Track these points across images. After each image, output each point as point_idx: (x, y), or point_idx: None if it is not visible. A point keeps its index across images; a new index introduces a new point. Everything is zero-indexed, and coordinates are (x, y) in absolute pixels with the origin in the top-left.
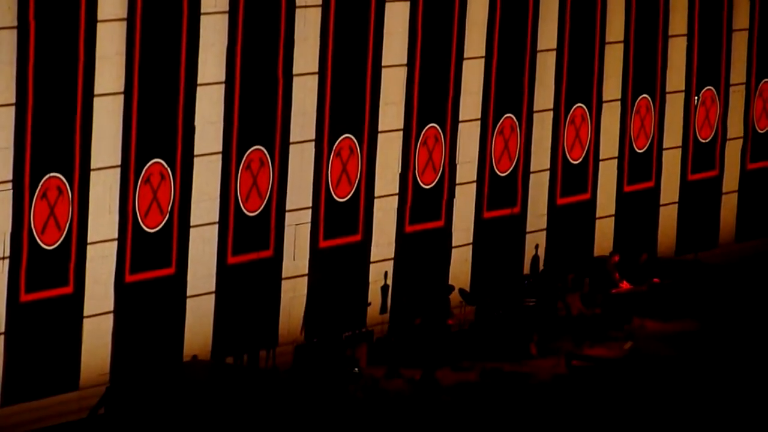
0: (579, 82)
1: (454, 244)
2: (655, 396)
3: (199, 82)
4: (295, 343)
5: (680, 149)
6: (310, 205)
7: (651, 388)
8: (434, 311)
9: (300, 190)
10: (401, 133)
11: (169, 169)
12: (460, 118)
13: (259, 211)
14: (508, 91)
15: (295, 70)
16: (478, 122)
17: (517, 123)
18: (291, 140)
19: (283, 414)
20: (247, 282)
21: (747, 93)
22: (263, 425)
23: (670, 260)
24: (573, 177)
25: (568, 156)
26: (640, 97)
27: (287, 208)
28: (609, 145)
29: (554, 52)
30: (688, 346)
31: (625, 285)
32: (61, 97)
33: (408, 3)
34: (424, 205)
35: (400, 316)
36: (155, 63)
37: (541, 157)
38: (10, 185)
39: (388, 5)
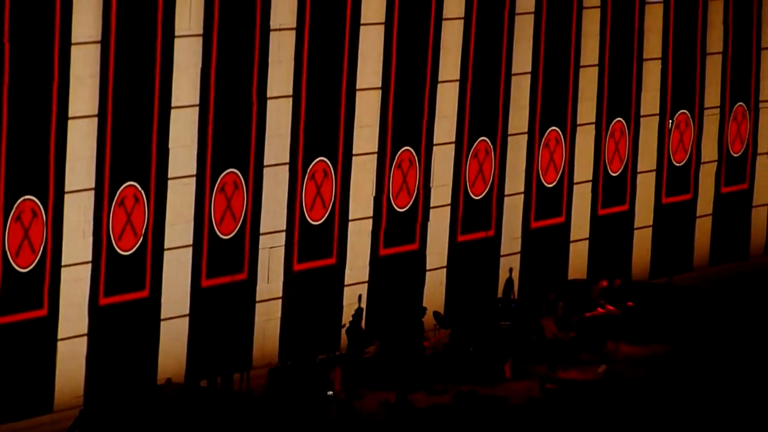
0: (553, 106)
1: (428, 267)
2: (629, 419)
3: (173, 104)
4: (269, 366)
5: (654, 173)
6: (285, 228)
7: (625, 411)
8: (405, 334)
9: (274, 213)
10: (375, 156)
11: (143, 192)
12: (435, 142)
13: (234, 234)
14: (482, 114)
15: (269, 93)
16: (453, 145)
17: (491, 146)
18: (265, 163)
19: None
20: (221, 305)
21: (721, 116)
22: None
23: (644, 284)
24: (547, 200)
25: (542, 179)
26: (615, 120)
27: (261, 231)
28: (583, 168)
29: (529, 76)
30: (662, 370)
31: (607, 308)
32: (36, 120)
33: (382, 26)
34: (398, 228)
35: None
36: (129, 85)
37: (515, 180)
38: None
39: (362, 28)
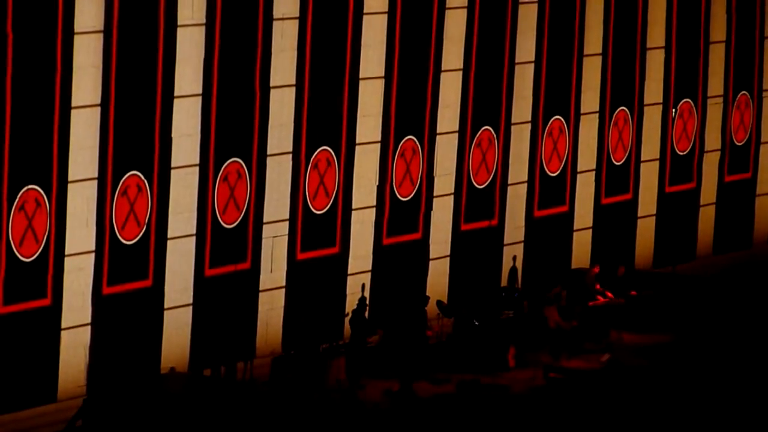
0: (557, 95)
1: (431, 257)
2: (632, 408)
3: (176, 94)
4: (272, 355)
5: (658, 161)
6: (288, 217)
7: (628, 400)
8: (408, 323)
9: (277, 203)
10: (379, 145)
11: (146, 182)
12: (438, 131)
13: (237, 223)
14: (485, 103)
15: (272, 83)
16: (456, 134)
17: (494, 135)
18: (268, 152)
19: (260, 426)
20: (225, 294)
21: (724, 105)
22: None
23: (648, 272)
24: (551, 189)
25: (545, 168)
26: (618, 109)
27: (264, 220)
28: (587, 157)
29: (532, 65)
30: (665, 358)
31: (608, 295)
32: (39, 110)
33: (386, 15)
34: (401, 217)
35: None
36: (132, 75)
37: (518, 169)
38: None
39: (365, 18)
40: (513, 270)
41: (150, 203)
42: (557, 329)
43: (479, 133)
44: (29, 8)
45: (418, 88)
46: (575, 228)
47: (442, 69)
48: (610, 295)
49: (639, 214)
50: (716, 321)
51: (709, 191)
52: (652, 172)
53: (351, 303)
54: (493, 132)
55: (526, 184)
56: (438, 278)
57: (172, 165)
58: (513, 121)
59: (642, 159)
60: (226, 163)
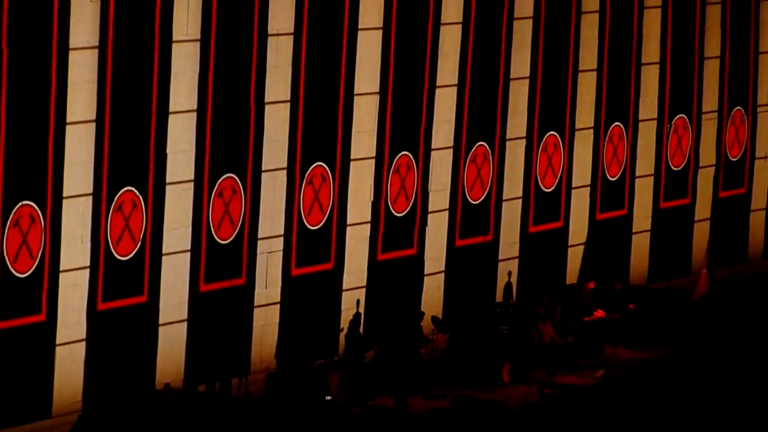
0: (552, 111)
1: (426, 272)
2: (627, 424)
3: (170, 109)
4: (267, 371)
5: (653, 177)
6: (282, 233)
7: (623, 415)
8: (403, 339)
9: (272, 218)
10: (374, 161)
11: (141, 197)
12: (433, 146)
13: (231, 239)
14: (480, 119)
15: (267, 98)
16: (451, 150)
17: (489, 151)
18: (263, 168)
19: None
20: (220, 310)
21: (719, 121)
22: None
23: (642, 288)
24: (545, 205)
25: (540, 184)
26: (613, 125)
27: (259, 236)
28: (581, 173)
29: (527, 80)
30: (660, 374)
31: (599, 313)
32: (34, 125)
33: (380, 31)
34: (396, 233)
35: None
36: (127, 91)
37: (513, 185)
38: None
39: (360, 33)
40: (508, 285)
41: (145, 219)
42: (552, 345)
43: (474, 148)
44: (24, 24)
45: (413, 104)
46: (570, 243)
47: (437, 85)
48: (601, 313)
49: (634, 230)
50: (711, 336)
51: (703, 207)
52: (646, 188)
53: (346, 319)
54: (487, 148)
55: (521, 200)
56: (433, 294)
57: (167, 180)
58: (508, 136)
59: (637, 174)
60: (220, 179)
